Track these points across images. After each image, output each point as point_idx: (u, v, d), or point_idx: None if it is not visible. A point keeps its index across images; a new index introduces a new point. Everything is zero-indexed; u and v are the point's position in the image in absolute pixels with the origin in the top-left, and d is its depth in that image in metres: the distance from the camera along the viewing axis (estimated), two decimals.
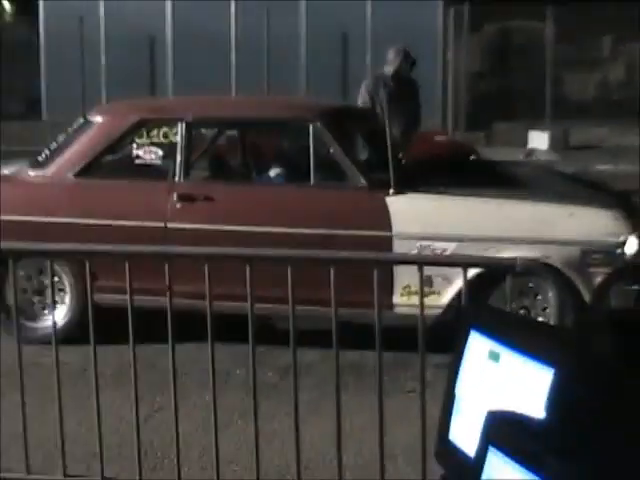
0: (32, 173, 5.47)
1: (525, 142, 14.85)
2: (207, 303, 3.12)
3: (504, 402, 1.40)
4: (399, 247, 4.86)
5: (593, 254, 4.76)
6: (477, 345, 1.50)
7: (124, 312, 3.26)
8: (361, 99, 7.45)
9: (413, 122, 7.50)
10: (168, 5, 16.12)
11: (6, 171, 5.69)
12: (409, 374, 4.52)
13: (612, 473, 1.07)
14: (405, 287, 4.88)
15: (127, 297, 3.31)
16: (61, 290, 5.39)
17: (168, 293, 3.21)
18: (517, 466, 1.14)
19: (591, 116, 15.06)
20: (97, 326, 3.26)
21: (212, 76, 14.39)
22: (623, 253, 4.77)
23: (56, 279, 5.36)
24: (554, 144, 14.38)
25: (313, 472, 3.56)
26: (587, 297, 4.68)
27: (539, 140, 14.56)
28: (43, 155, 5.58)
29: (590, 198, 5.17)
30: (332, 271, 3.03)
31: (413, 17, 15.08)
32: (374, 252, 4.01)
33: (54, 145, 5.63)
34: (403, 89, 7.36)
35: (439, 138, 10.22)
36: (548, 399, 1.29)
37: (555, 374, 1.30)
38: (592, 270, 4.74)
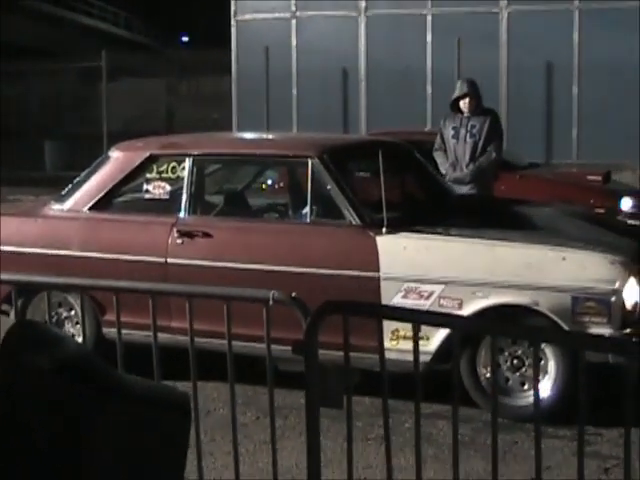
0: (54, 207, 5.62)
1: None
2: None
3: None
4: (386, 288, 4.79)
5: (585, 301, 4.53)
6: None
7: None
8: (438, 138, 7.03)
9: (489, 155, 6.83)
10: (362, 38, 15.39)
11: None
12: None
13: None
14: (394, 331, 4.73)
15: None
16: (77, 323, 5.42)
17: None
18: None
19: None
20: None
21: (406, 110, 14.03)
22: (621, 300, 4.50)
23: (72, 312, 5.56)
24: None
25: None
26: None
27: None
28: (66, 189, 5.73)
29: (592, 241, 4.82)
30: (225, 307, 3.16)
31: (620, 46, 13.86)
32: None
33: (76, 180, 5.78)
34: (473, 123, 6.84)
35: (591, 178, 8.76)
36: None
37: None
38: (584, 319, 4.51)
